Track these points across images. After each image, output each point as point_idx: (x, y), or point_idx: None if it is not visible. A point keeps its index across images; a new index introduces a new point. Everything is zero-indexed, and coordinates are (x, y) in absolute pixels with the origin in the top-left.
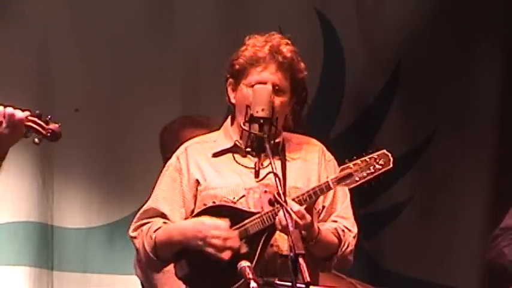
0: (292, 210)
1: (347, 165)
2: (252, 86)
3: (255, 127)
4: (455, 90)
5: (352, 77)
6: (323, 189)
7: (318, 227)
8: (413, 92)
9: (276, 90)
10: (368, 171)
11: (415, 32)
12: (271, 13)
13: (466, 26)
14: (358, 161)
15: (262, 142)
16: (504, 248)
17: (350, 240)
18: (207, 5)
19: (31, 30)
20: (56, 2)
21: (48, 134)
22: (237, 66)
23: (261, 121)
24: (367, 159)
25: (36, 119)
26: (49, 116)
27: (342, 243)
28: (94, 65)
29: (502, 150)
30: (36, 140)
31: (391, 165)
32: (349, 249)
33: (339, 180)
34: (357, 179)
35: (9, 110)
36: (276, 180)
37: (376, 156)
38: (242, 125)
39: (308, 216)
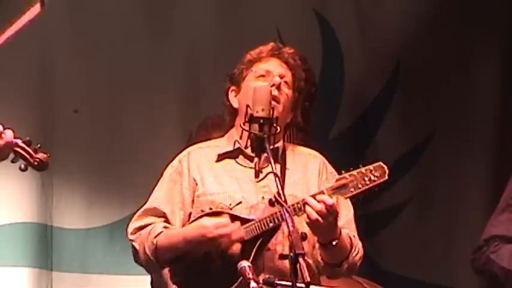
0: (325, 203)
1: (343, 175)
2: (259, 76)
3: (255, 127)
4: (454, 90)
5: (352, 77)
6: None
7: (339, 227)
8: (412, 92)
9: (283, 81)
10: (363, 182)
11: (414, 32)
12: (270, 14)
13: (466, 26)
14: (354, 172)
15: (262, 142)
16: (491, 254)
17: (359, 247)
18: (206, 7)
19: (31, 31)
20: (55, 2)
21: (36, 163)
22: (241, 67)
23: (261, 121)
24: (363, 171)
25: (25, 146)
26: (38, 145)
27: (353, 249)
28: (93, 66)
29: (502, 150)
30: (22, 166)
31: (386, 177)
32: (358, 255)
33: (334, 190)
34: (352, 189)
35: None
36: (275, 180)
37: (372, 168)
38: (242, 125)
39: (336, 212)
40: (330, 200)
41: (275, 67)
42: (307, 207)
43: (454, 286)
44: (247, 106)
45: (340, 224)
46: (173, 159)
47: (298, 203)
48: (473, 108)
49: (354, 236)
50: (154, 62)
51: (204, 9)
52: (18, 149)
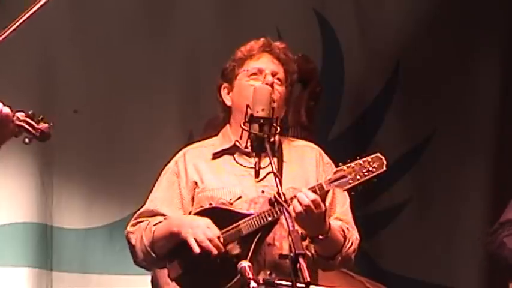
0: (308, 198)
1: (340, 167)
2: (251, 75)
3: (255, 127)
4: (454, 90)
5: (352, 77)
6: (316, 190)
7: (329, 222)
8: (412, 92)
9: (276, 79)
10: (361, 174)
11: (414, 32)
12: (270, 14)
13: (466, 26)
14: (352, 164)
15: (262, 142)
16: (504, 238)
17: (353, 239)
18: (206, 7)
19: (31, 31)
20: (55, 3)
21: (37, 134)
22: (233, 64)
23: (261, 121)
24: (361, 162)
25: (27, 119)
26: (41, 116)
27: (347, 241)
28: (93, 66)
29: (502, 150)
30: (26, 140)
31: (384, 168)
32: (352, 247)
33: (332, 183)
34: (350, 181)
35: None
36: (275, 180)
37: (369, 160)
38: (242, 125)
39: (323, 206)
40: (312, 195)
41: (267, 64)
42: (294, 201)
43: (454, 286)
44: (248, 106)
45: (336, 214)
46: (170, 160)
47: (291, 198)
48: (473, 108)
49: (347, 229)
50: (154, 62)
51: (204, 10)
52: (20, 122)
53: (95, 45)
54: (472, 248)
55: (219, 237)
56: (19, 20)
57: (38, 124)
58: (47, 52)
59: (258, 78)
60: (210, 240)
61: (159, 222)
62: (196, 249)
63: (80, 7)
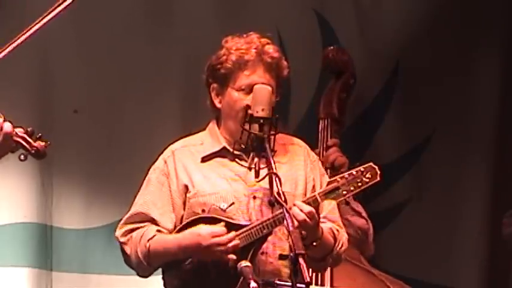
0: (303, 211)
1: (334, 178)
2: (242, 90)
3: (255, 127)
4: (454, 90)
5: None
6: (310, 203)
7: (321, 228)
8: (412, 92)
9: None
10: (355, 185)
11: (414, 32)
12: (270, 14)
13: (465, 26)
14: (345, 175)
15: (262, 142)
16: None
17: (344, 240)
18: (206, 6)
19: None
20: (55, 2)
21: (33, 151)
22: (223, 71)
23: (261, 121)
24: (354, 173)
25: (25, 136)
26: (39, 134)
27: (337, 243)
28: (93, 66)
29: (502, 150)
30: (21, 156)
31: (378, 178)
32: (343, 248)
33: (326, 194)
34: (344, 192)
35: None
36: (275, 180)
37: (363, 170)
38: (242, 125)
39: (317, 217)
40: (307, 208)
41: (258, 78)
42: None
43: (454, 286)
44: (248, 106)
45: (324, 212)
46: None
47: (281, 212)
48: (473, 108)
49: (337, 230)
50: (154, 62)
51: (204, 9)
52: (18, 138)
53: (94, 45)
54: (472, 248)
55: (224, 233)
56: (21, 35)
57: (34, 142)
58: (47, 52)
59: (247, 93)
60: (227, 243)
61: (153, 236)
62: (232, 258)
63: (79, 7)
